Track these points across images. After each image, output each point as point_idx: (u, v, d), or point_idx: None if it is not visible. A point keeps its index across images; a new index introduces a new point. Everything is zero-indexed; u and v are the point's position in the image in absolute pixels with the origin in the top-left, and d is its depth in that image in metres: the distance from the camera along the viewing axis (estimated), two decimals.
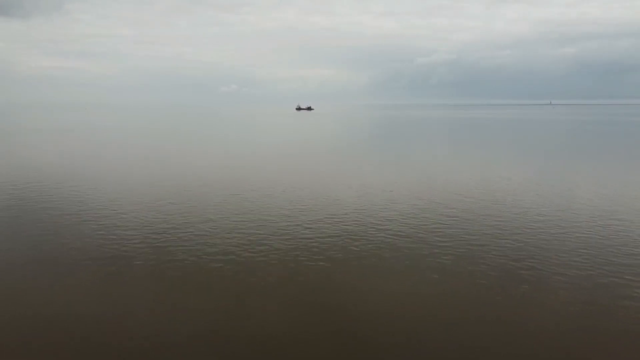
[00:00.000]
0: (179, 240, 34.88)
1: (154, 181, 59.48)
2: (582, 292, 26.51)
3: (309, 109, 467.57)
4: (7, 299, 25.51)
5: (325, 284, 27.80)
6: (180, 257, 31.57)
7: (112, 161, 79.60)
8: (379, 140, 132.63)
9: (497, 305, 25.11)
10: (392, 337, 21.96)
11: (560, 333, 22.41)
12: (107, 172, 66.75)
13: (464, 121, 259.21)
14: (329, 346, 21.31)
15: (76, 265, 30.10)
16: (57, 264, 30.34)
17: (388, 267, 30.36)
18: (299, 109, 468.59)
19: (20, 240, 35.05)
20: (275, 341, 21.63)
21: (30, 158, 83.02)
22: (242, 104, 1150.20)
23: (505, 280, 28.23)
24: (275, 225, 38.97)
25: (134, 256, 31.67)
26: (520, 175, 66.08)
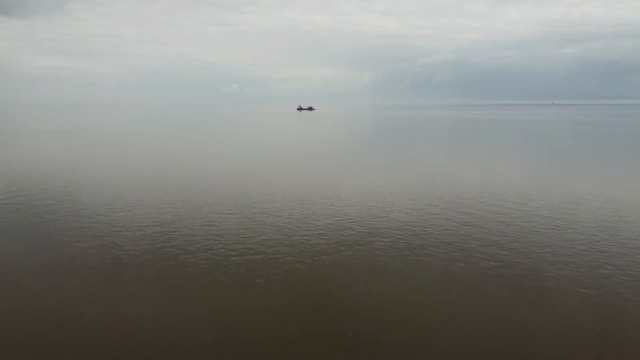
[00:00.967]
0: (180, 241, 34.78)
1: (155, 182, 59.32)
2: (588, 292, 26.23)
3: (310, 109, 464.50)
4: (8, 299, 25.43)
5: (328, 284, 27.66)
6: (182, 257, 31.48)
7: (112, 162, 78.95)
8: (381, 141, 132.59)
9: (502, 307, 24.80)
10: (395, 338, 21.77)
11: (566, 334, 22.15)
12: (108, 172, 66.34)
13: (467, 122, 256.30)
14: (331, 347, 21.20)
15: (77, 266, 30.03)
16: (58, 265, 30.20)
17: (391, 267, 30.18)
18: (300, 109, 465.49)
19: (21, 241, 34.97)
20: (278, 342, 21.53)
21: (31, 158, 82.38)
22: (243, 104, 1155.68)
23: (511, 281, 27.98)
24: (276, 226, 38.84)
25: (135, 257, 31.56)
26: (527, 178, 64.32)
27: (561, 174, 68.55)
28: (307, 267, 30.14)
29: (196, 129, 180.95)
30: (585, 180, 64.21)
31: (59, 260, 31.27)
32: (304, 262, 30.94)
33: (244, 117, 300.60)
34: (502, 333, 22.42)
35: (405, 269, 30.00)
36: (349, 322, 23.36)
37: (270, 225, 39.33)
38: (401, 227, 38.94)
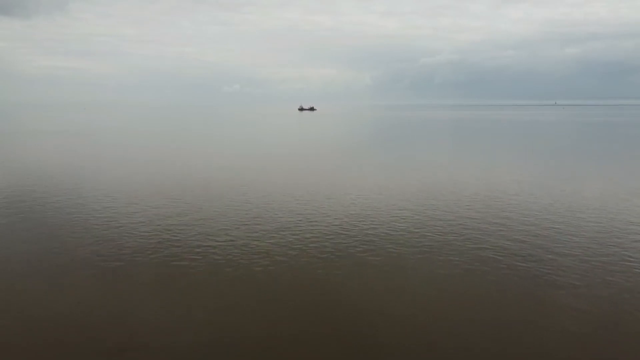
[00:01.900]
0: (182, 241, 34.67)
1: (156, 182, 58.94)
2: (594, 293, 26.00)
3: (312, 109, 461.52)
4: (9, 300, 25.33)
5: (328, 283, 27.57)
6: (182, 257, 31.43)
7: (113, 162, 78.55)
8: (383, 142, 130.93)
9: (503, 307, 24.65)
10: (395, 338, 21.78)
11: (567, 334, 22.07)
12: (109, 173, 66.00)
13: (470, 123, 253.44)
14: (331, 347, 21.17)
15: (77, 266, 29.91)
16: (58, 265, 30.10)
17: (394, 267, 30.03)
18: (301, 109, 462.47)
19: (21, 241, 34.87)
20: (278, 341, 21.58)
21: (32, 159, 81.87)
22: (244, 104, 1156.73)
23: (513, 281, 27.78)
24: (278, 227, 38.67)
25: (135, 257, 31.45)
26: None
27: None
28: (309, 267, 29.99)
29: (197, 129, 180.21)
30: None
31: (60, 260, 31.10)
32: (306, 262, 30.83)
33: (245, 118, 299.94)
34: (503, 333, 22.26)
35: (406, 269, 29.87)
36: (350, 321, 23.26)
37: (272, 225, 39.08)
38: (402, 227, 38.80)
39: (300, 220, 40.54)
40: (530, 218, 41.59)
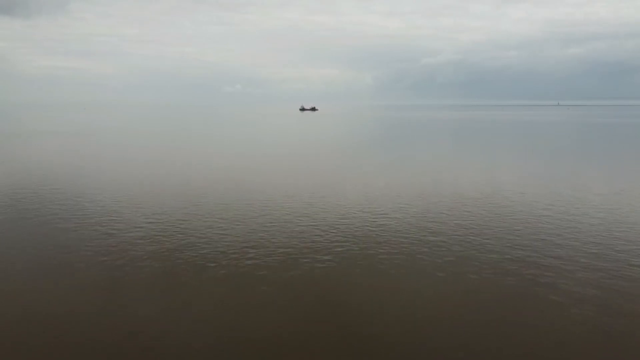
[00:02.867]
0: (183, 241, 34.38)
1: (157, 183, 58.50)
2: (594, 293, 25.95)
3: (313, 109, 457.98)
4: (9, 299, 25.35)
5: (332, 284, 27.38)
6: (183, 257, 31.16)
7: (114, 162, 78.07)
8: (385, 142, 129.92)
9: (505, 308, 24.55)
10: (396, 338, 21.72)
11: (569, 335, 22.01)
12: (110, 173, 65.50)
13: (474, 124, 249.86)
14: (332, 347, 21.12)
15: (78, 266, 29.73)
16: (59, 265, 29.95)
17: (392, 267, 29.85)
18: (302, 109, 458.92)
19: (23, 242, 34.57)
20: (279, 341, 21.45)
21: (32, 159, 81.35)
22: (244, 104, 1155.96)
23: (514, 282, 27.59)
24: (279, 227, 38.38)
25: (136, 257, 31.19)
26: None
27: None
28: (310, 267, 29.77)
29: (198, 129, 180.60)
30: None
31: (60, 260, 30.90)
32: (307, 262, 30.54)
33: (245, 118, 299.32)
34: (504, 334, 22.12)
35: (408, 269, 29.61)
36: (350, 321, 23.12)
37: (273, 225, 38.87)
38: (404, 227, 38.57)
39: (302, 221, 40.19)
40: (534, 219, 41.28)
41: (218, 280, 27.92)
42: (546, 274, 28.83)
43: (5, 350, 20.74)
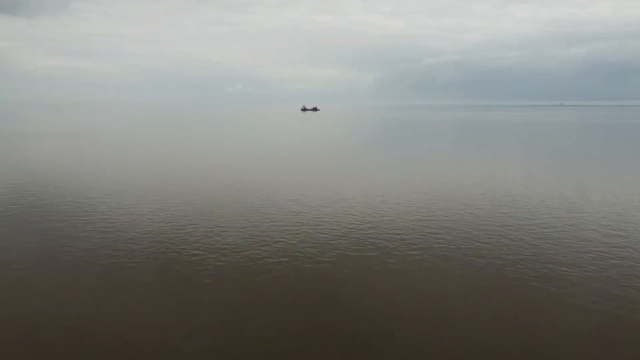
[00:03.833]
0: (184, 241, 34.26)
1: (158, 183, 58.22)
2: (601, 294, 25.79)
3: (315, 109, 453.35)
4: (10, 299, 25.41)
5: (334, 284, 27.34)
6: (186, 258, 31.04)
7: (115, 163, 77.34)
8: (387, 143, 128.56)
9: (506, 308, 24.49)
10: (396, 338, 21.76)
11: (571, 336, 21.99)
12: (111, 174, 65.01)
13: (477, 124, 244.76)
14: (333, 347, 21.10)
15: (79, 266, 29.76)
16: (60, 265, 29.93)
17: (399, 267, 29.71)
18: (304, 109, 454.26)
19: (24, 241, 34.48)
20: (279, 341, 21.48)
21: (33, 160, 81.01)
22: (247, 104, 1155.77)
23: (516, 282, 27.50)
24: (281, 227, 38.09)
25: (137, 257, 31.14)
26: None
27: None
28: (310, 266, 29.74)
29: (199, 129, 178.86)
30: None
31: (61, 259, 30.81)
32: (307, 262, 30.43)
33: (247, 118, 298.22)
34: (505, 334, 22.11)
35: (409, 269, 29.50)
36: (351, 321, 23.12)
37: (274, 225, 38.58)
38: (406, 227, 38.29)
39: (303, 220, 39.97)
40: (538, 219, 40.83)
41: (220, 280, 27.72)
42: (555, 275, 28.48)
43: (5, 350, 20.80)
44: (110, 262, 30.32)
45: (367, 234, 36.30)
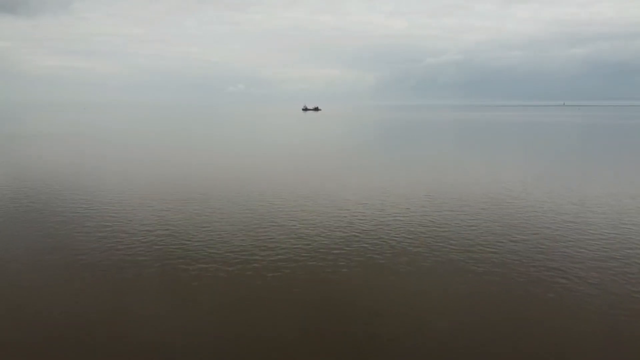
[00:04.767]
0: (185, 241, 34.31)
1: (159, 183, 58.39)
2: (597, 294, 25.94)
3: (316, 109, 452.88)
4: (11, 299, 25.44)
5: (336, 284, 27.37)
6: (186, 257, 31.14)
7: (116, 163, 76.80)
8: (388, 144, 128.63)
9: (507, 308, 24.58)
10: (397, 338, 21.79)
11: (572, 336, 22.06)
12: (112, 174, 64.74)
13: (478, 124, 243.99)
14: (334, 347, 21.17)
15: (80, 266, 29.76)
16: (61, 265, 29.98)
17: (401, 268, 29.77)
18: (305, 109, 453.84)
19: (25, 241, 34.58)
20: (280, 341, 21.51)
21: (35, 160, 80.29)
22: (247, 104, 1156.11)
23: (518, 283, 27.49)
24: (282, 227, 38.18)
25: (138, 257, 31.17)
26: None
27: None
28: (311, 267, 29.75)
29: (200, 129, 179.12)
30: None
31: (61, 259, 30.79)
32: (308, 262, 30.48)
33: (248, 118, 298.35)
34: (506, 334, 22.12)
35: (412, 269, 29.52)
36: (351, 321, 23.12)
37: (276, 225, 38.61)
38: (406, 227, 38.21)
39: (305, 220, 39.98)
40: (540, 221, 40.65)
41: (221, 280, 27.70)
42: (555, 275, 28.46)
43: (5, 350, 20.77)
44: (110, 262, 30.32)
45: (368, 234, 36.16)
